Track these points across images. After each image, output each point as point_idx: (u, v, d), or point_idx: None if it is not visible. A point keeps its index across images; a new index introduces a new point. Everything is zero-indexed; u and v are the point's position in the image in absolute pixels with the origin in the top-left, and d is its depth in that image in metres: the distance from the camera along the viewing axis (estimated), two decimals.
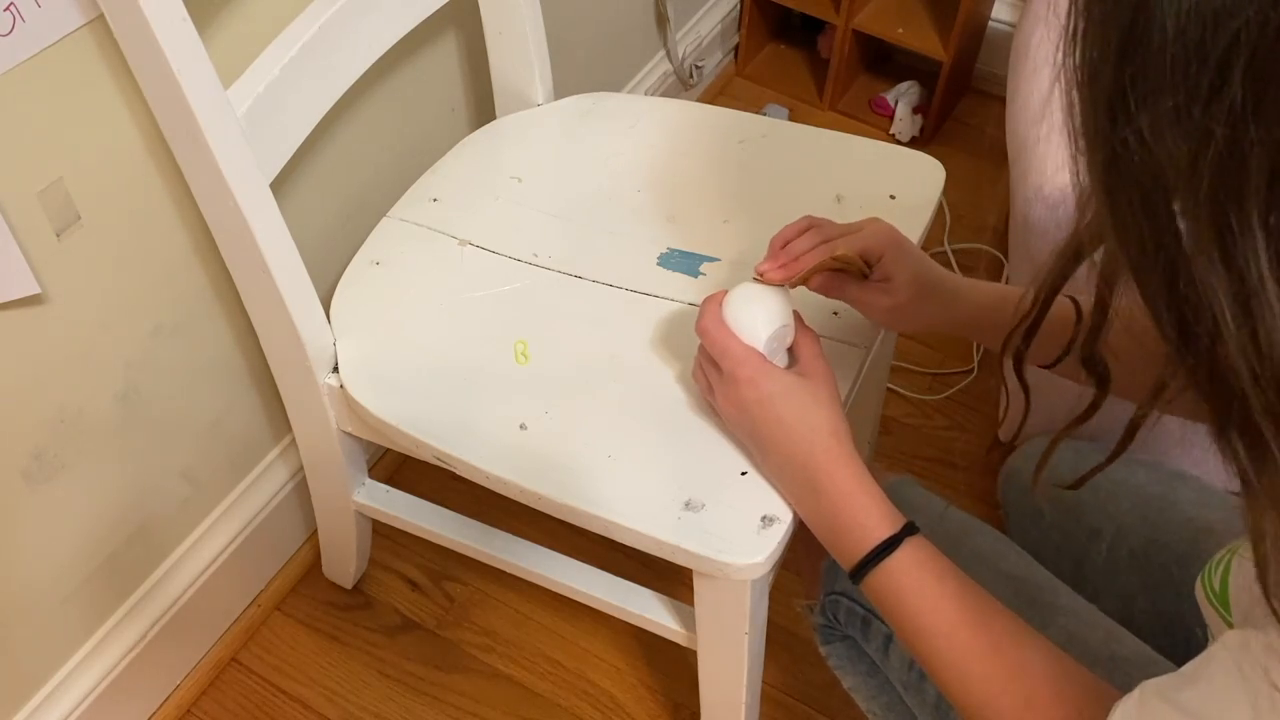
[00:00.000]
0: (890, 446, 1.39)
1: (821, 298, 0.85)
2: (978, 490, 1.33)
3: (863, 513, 0.70)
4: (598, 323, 0.91)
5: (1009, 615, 0.66)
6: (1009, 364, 0.66)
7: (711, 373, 0.78)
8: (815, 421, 0.72)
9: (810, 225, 0.81)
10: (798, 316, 0.79)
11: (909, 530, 0.69)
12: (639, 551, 0.80)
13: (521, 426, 0.84)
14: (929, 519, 0.84)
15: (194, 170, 0.82)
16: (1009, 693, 0.63)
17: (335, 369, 0.92)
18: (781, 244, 0.80)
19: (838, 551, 0.72)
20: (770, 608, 0.93)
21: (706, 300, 0.78)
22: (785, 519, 0.77)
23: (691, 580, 0.84)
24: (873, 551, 0.68)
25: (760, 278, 0.79)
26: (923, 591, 0.67)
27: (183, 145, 0.80)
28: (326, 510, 1.16)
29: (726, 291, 0.78)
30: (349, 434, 0.99)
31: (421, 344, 0.91)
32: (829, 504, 0.71)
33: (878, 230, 0.79)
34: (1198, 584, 0.61)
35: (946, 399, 1.44)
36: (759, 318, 0.76)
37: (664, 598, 0.96)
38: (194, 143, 0.77)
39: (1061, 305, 0.70)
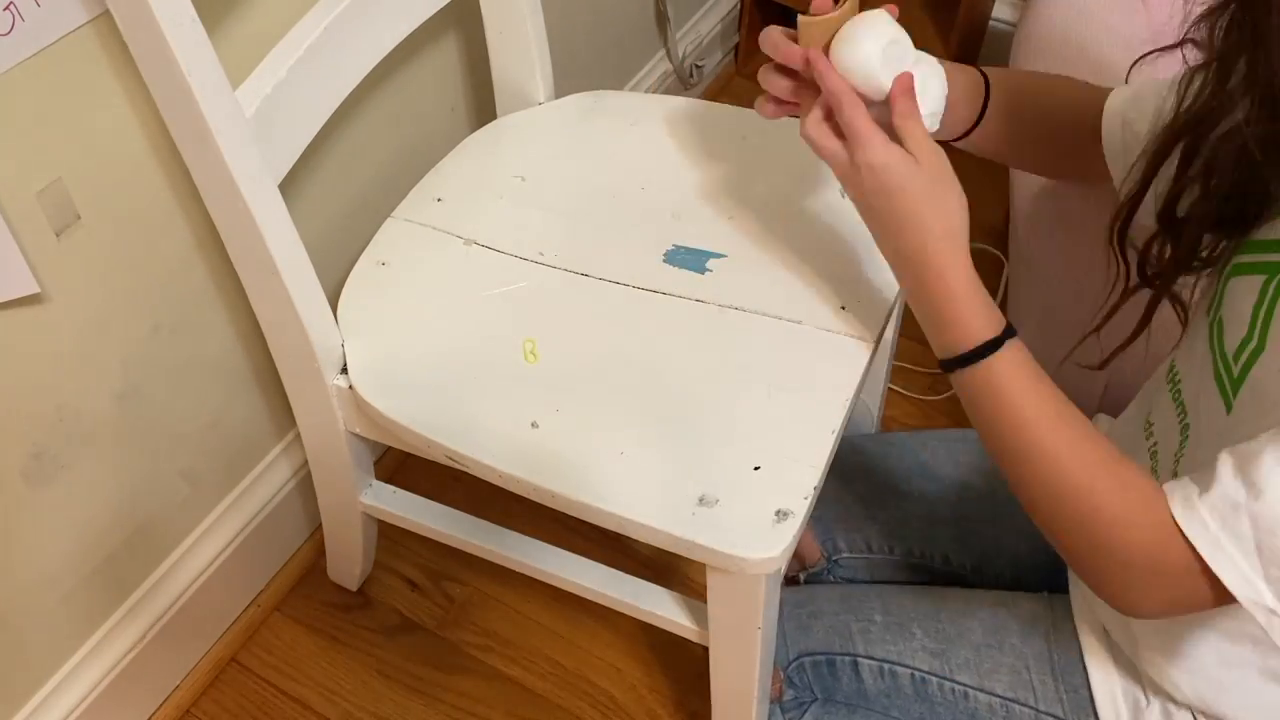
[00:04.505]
0: None
1: (828, 291, 0.89)
2: None
3: (968, 312, 0.72)
4: (605, 320, 0.91)
5: (1082, 415, 0.71)
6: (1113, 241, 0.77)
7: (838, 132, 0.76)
8: (930, 220, 0.73)
9: None
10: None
11: (1010, 332, 0.72)
12: (637, 552, 0.80)
13: (533, 425, 0.84)
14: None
15: (203, 172, 0.81)
16: (1108, 475, 0.68)
17: (344, 370, 0.92)
18: None
19: (940, 342, 0.74)
20: None
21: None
22: (799, 513, 0.78)
23: (693, 578, 0.84)
24: (978, 348, 0.71)
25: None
26: (1024, 387, 0.71)
27: (191, 147, 0.80)
28: (333, 512, 1.16)
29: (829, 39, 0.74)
30: (356, 435, 0.99)
31: (429, 344, 0.91)
32: (936, 300, 0.73)
33: None
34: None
35: (946, 399, 1.44)
36: (871, 48, 0.73)
37: (675, 594, 0.96)
38: (203, 144, 0.77)
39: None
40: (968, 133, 0.88)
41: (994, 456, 0.74)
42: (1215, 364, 0.73)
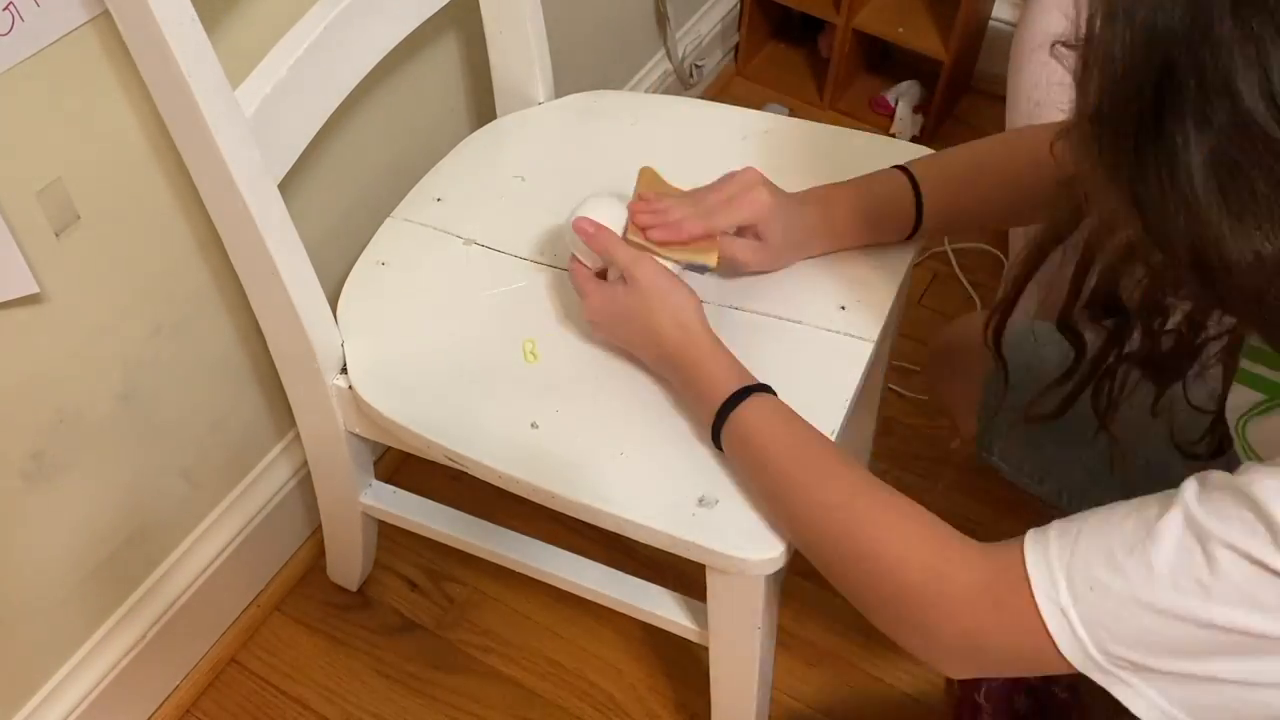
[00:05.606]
0: (890, 446, 1.39)
1: (828, 291, 0.90)
2: (970, 486, 1.33)
3: (715, 373, 0.78)
4: None
5: (836, 447, 0.74)
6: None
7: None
8: (661, 323, 0.80)
9: (689, 201, 0.86)
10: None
11: (759, 387, 0.77)
12: (637, 552, 0.81)
13: (533, 425, 0.84)
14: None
15: (202, 172, 0.81)
16: (868, 501, 0.69)
17: (344, 370, 0.92)
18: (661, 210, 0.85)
19: (703, 413, 0.79)
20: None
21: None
22: None
23: (693, 578, 0.85)
24: (728, 400, 0.76)
25: (640, 232, 0.84)
26: (774, 429, 0.74)
27: (191, 147, 0.80)
28: (333, 513, 1.16)
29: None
30: (356, 435, 0.99)
31: (429, 344, 0.91)
32: (689, 375, 0.80)
33: (754, 200, 0.85)
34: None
35: None
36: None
37: (676, 595, 0.96)
38: (202, 144, 0.77)
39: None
40: (911, 235, 0.90)
41: (769, 511, 0.76)
42: None
